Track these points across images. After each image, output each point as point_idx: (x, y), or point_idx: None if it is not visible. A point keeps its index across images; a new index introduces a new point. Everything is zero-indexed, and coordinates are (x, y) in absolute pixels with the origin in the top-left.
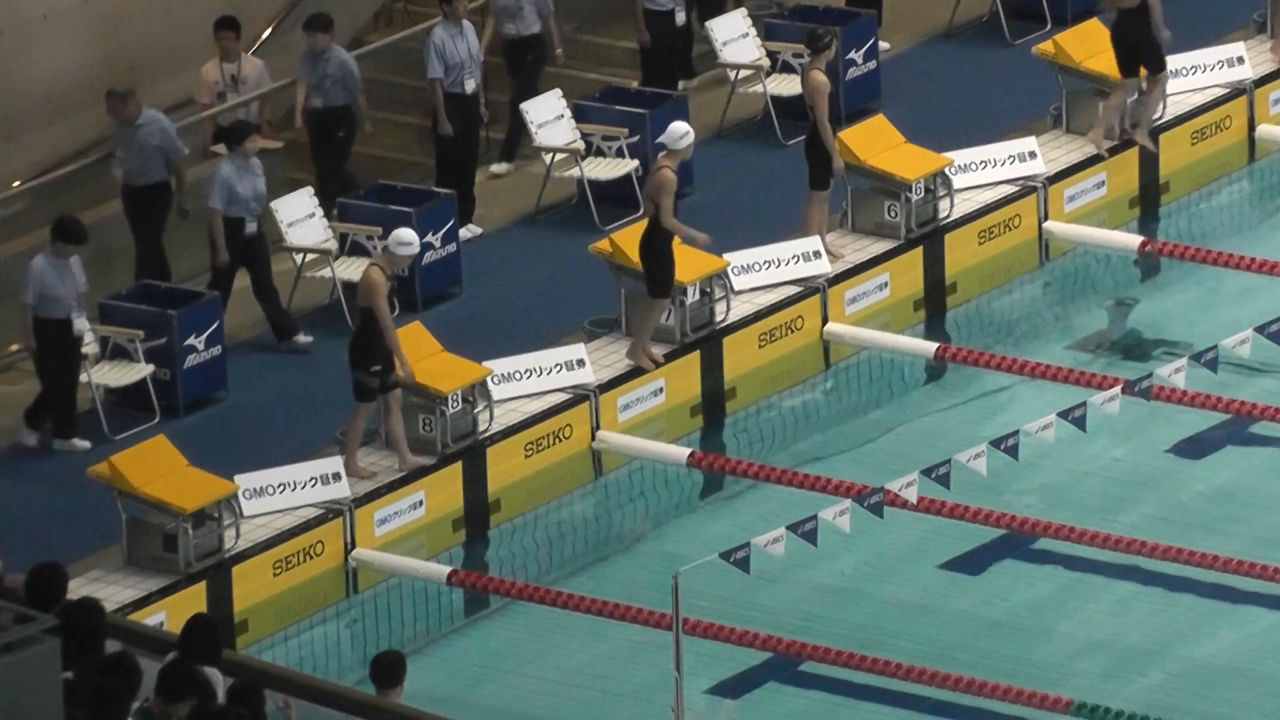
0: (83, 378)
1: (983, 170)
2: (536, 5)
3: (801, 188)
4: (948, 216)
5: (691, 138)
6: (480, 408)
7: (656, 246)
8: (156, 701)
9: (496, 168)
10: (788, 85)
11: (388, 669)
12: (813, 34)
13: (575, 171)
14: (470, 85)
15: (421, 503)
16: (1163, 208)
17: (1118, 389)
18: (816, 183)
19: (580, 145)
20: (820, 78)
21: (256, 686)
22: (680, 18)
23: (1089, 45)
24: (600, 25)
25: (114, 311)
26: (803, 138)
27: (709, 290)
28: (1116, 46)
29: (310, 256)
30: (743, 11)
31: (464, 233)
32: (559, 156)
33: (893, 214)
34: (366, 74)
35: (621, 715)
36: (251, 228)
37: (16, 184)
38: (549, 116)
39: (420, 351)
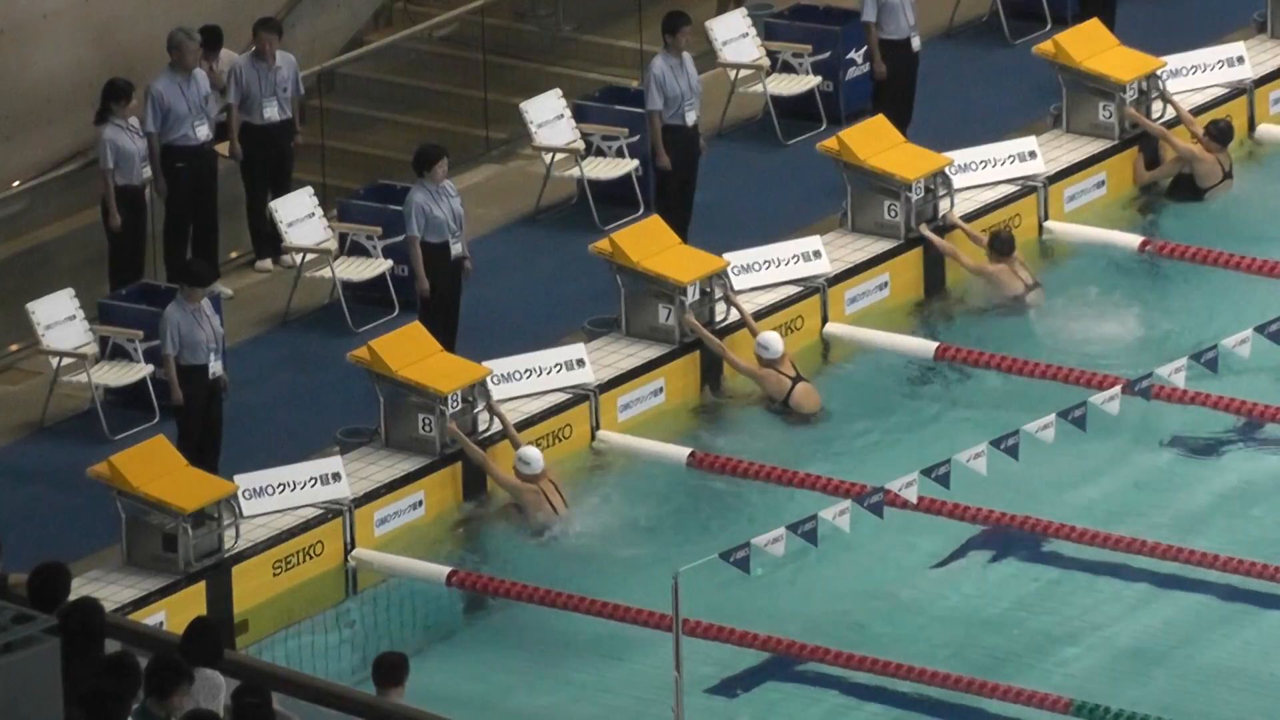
0: (81, 378)
1: (983, 170)
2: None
3: (800, 187)
4: (947, 216)
5: None
6: (480, 408)
7: None
8: (152, 701)
9: (261, 264)
10: (788, 85)
11: (389, 669)
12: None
13: (575, 171)
14: (691, 117)
15: (421, 503)
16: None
17: (1118, 389)
18: None
19: (580, 145)
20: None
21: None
22: (916, 44)
23: (1089, 45)
24: (600, 25)
25: (114, 311)
26: (804, 136)
27: (709, 290)
28: None
29: (310, 256)
30: (742, 11)
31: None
32: (559, 156)
33: (893, 214)
34: (367, 73)
35: (621, 716)
36: (457, 249)
37: (16, 184)
38: (549, 116)
39: (419, 351)
